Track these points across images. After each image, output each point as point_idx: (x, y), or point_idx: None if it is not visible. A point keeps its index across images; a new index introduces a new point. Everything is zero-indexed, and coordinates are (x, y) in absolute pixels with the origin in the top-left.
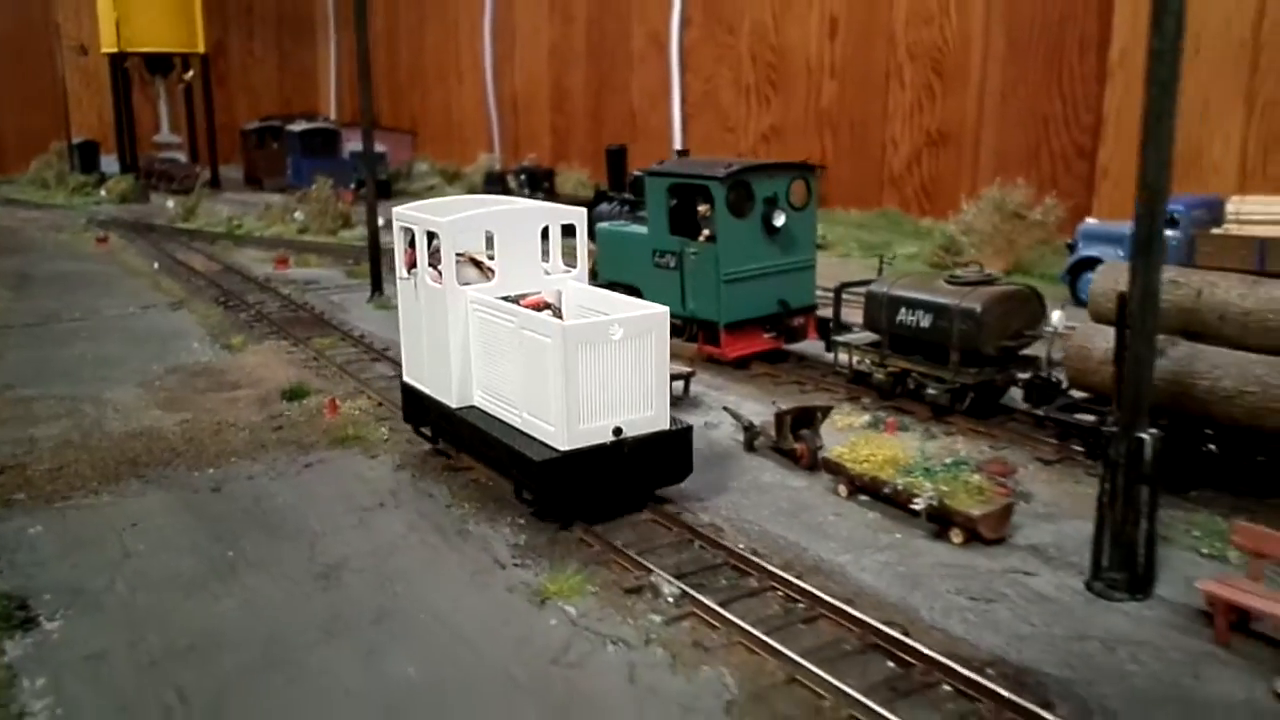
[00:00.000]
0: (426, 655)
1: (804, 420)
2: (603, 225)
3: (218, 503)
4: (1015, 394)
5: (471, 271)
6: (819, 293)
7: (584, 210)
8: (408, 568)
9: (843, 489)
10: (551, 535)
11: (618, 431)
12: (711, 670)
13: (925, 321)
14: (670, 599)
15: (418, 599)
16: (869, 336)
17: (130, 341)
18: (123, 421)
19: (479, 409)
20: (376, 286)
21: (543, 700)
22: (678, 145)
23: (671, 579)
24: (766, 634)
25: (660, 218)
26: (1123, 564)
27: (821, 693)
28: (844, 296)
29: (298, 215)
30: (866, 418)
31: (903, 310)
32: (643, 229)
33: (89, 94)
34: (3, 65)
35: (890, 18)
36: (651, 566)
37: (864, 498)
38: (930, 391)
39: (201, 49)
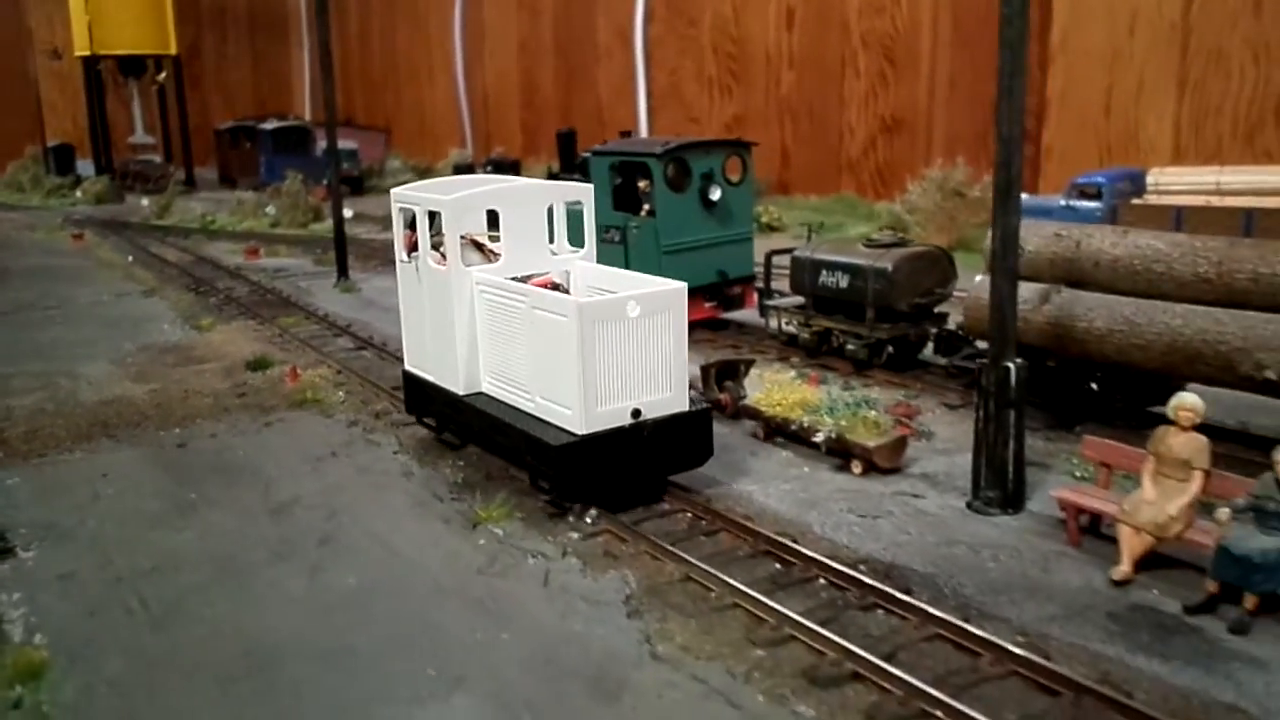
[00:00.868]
0: (365, 569)
1: (728, 373)
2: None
3: (182, 456)
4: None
5: (474, 255)
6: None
7: (591, 187)
8: (353, 503)
9: (760, 431)
10: (486, 474)
11: (636, 413)
12: (617, 573)
13: (844, 282)
14: (588, 520)
15: (360, 526)
16: (797, 300)
17: (103, 325)
18: (95, 392)
19: (488, 395)
20: (342, 272)
21: (464, 599)
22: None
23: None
24: (670, 544)
25: (605, 195)
26: (996, 482)
27: (710, 586)
28: (773, 262)
29: (270, 210)
30: (792, 374)
31: (824, 273)
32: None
33: (63, 98)
34: None
35: (844, 8)
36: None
37: (780, 439)
38: (850, 347)
39: (174, 50)
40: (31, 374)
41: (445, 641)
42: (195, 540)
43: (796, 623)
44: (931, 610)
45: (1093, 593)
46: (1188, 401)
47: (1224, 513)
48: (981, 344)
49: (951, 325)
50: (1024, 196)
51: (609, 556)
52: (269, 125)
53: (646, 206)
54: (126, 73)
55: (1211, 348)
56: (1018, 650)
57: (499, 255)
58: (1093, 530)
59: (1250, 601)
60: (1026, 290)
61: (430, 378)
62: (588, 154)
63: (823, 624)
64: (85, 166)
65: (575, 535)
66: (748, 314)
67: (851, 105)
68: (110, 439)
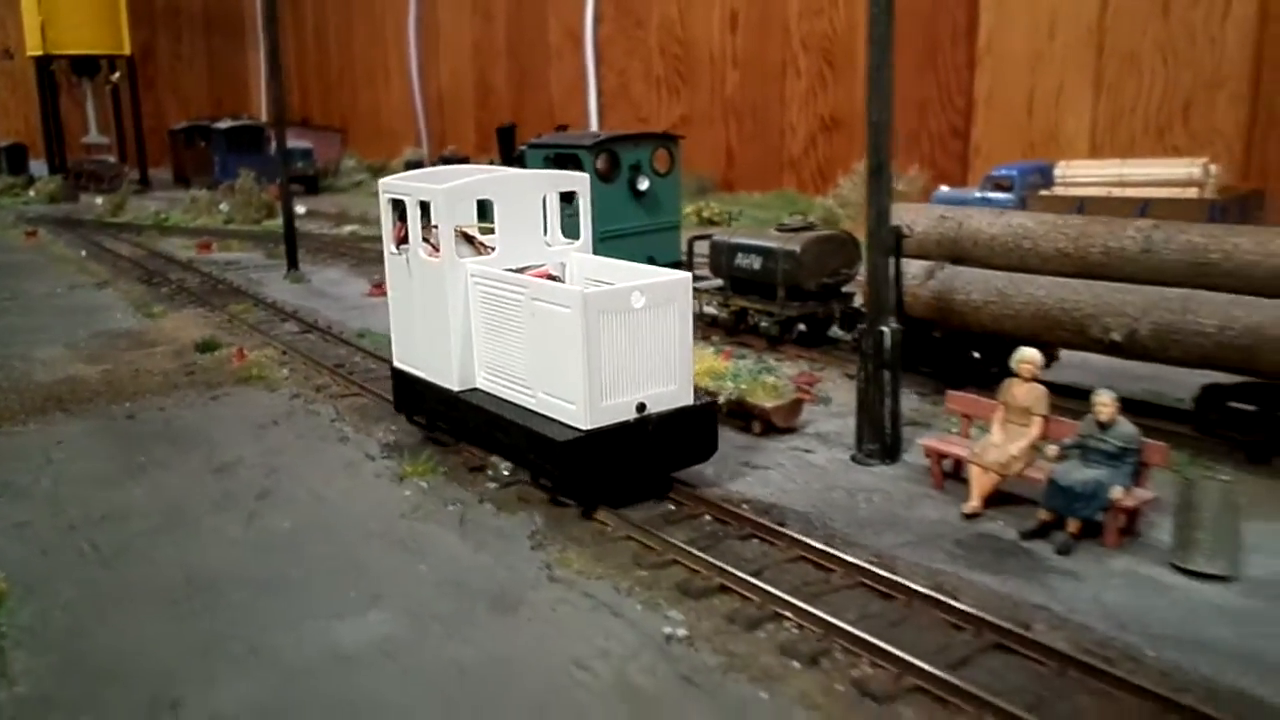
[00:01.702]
0: (299, 516)
1: None
2: None
3: (132, 426)
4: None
5: (464, 247)
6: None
7: (586, 177)
8: (291, 463)
9: None
10: (418, 439)
11: (641, 408)
12: (526, 514)
13: (757, 264)
14: (505, 472)
15: (297, 481)
16: (717, 283)
17: (57, 314)
18: (49, 373)
19: (483, 391)
20: (293, 264)
21: (388, 539)
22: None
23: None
24: None
25: None
26: (875, 436)
27: (606, 522)
28: (695, 249)
29: (223, 207)
30: (711, 350)
31: (739, 255)
32: None
33: (15, 98)
34: None
35: (785, 10)
36: (497, 460)
37: None
38: (763, 325)
39: (128, 51)
40: None
41: (368, 571)
42: (143, 496)
43: (678, 548)
44: (799, 537)
45: (945, 525)
46: (1027, 355)
47: (1053, 450)
48: None
49: (856, 304)
50: (943, 189)
51: (520, 501)
52: (223, 125)
53: None
54: (80, 73)
55: (1068, 315)
56: (866, 565)
57: (490, 248)
58: (956, 476)
59: (1073, 526)
60: (914, 267)
61: (421, 374)
62: (524, 146)
63: (702, 550)
64: (39, 166)
65: (493, 485)
66: None
67: (793, 105)
68: (63, 413)
